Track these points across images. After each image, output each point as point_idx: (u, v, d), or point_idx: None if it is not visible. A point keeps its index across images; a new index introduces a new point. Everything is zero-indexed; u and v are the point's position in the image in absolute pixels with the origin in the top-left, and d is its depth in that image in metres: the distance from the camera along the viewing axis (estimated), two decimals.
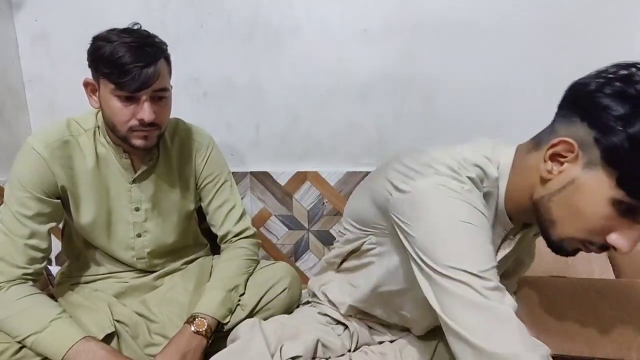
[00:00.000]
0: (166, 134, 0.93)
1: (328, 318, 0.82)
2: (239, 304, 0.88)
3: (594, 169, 0.51)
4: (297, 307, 0.94)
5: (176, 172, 0.95)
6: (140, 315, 0.88)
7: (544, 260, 1.14)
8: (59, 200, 0.85)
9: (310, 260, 1.33)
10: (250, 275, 0.94)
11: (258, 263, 0.99)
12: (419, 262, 0.57)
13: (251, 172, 1.31)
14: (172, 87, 0.86)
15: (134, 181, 0.90)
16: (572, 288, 0.89)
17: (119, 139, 0.82)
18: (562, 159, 0.53)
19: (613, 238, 0.52)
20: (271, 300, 0.90)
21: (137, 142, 0.80)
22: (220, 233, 0.99)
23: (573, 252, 0.58)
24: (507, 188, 0.62)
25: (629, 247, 0.52)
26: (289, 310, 0.92)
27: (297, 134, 1.28)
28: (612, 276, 1.11)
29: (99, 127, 0.87)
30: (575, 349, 0.77)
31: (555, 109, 0.57)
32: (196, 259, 1.05)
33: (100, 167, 0.87)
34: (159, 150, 0.92)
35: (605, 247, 0.54)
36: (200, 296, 0.89)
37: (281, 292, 0.91)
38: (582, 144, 0.51)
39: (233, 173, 1.04)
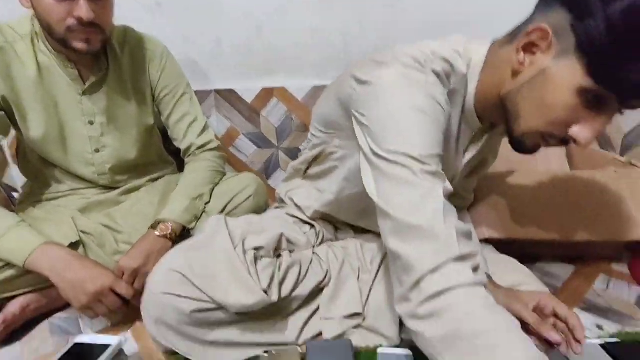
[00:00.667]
0: (115, 42, 0.87)
1: (295, 219, 0.84)
2: (204, 212, 0.90)
3: (565, 58, 0.50)
4: None
5: (129, 83, 0.90)
6: (106, 226, 0.88)
7: (507, 160, 1.18)
8: (2, 112, 0.81)
9: (281, 177, 1.34)
10: (216, 185, 0.95)
11: (224, 175, 0.99)
12: (367, 150, 0.57)
13: (216, 90, 1.26)
14: None
15: (84, 93, 0.85)
16: (531, 180, 0.92)
17: (59, 43, 0.76)
18: (534, 49, 0.53)
19: (575, 130, 0.52)
20: (236, 207, 0.91)
21: (79, 45, 0.74)
22: (182, 146, 0.97)
23: (533, 149, 0.57)
24: (477, 87, 0.61)
25: (589, 139, 0.52)
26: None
27: (260, 46, 1.21)
28: None
29: (36, 33, 0.81)
30: (530, 233, 0.82)
31: (525, 8, 0.55)
32: (162, 176, 1.04)
33: (43, 77, 0.82)
34: (108, 60, 0.86)
35: (565, 141, 0.54)
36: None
37: (246, 200, 0.93)
38: (557, 30, 0.50)
39: (196, 92, 0.99)
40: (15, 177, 1.26)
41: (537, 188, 0.88)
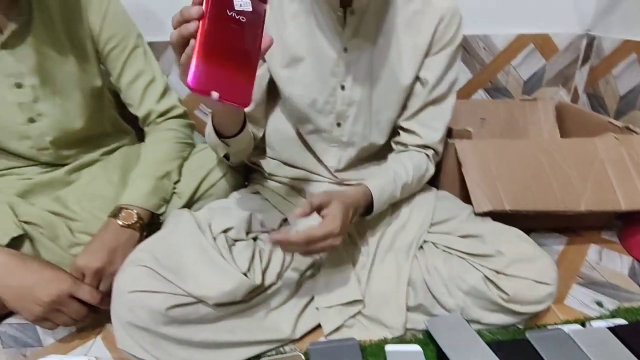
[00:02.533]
0: None
1: (260, 195, 0.78)
2: (174, 192, 0.77)
3: None
4: None
5: (63, 33, 0.71)
6: (56, 214, 0.74)
7: (495, 132, 1.13)
8: None
9: None
10: (185, 160, 0.81)
11: (194, 147, 0.85)
12: None
13: None
14: None
15: (3, 46, 0.66)
16: (523, 148, 0.86)
17: None
18: None
19: None
20: (212, 186, 0.79)
21: None
22: (140, 114, 0.81)
23: None
24: None
25: None
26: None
27: None
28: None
29: None
30: (529, 204, 0.77)
31: None
32: (118, 148, 0.88)
33: None
34: (30, 2, 0.67)
35: None
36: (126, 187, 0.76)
37: (222, 177, 0.81)
38: None
39: (151, 44, 0.82)
40: None
41: (530, 157, 0.83)
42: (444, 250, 0.68)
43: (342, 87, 0.69)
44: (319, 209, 0.58)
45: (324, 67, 0.67)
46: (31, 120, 0.73)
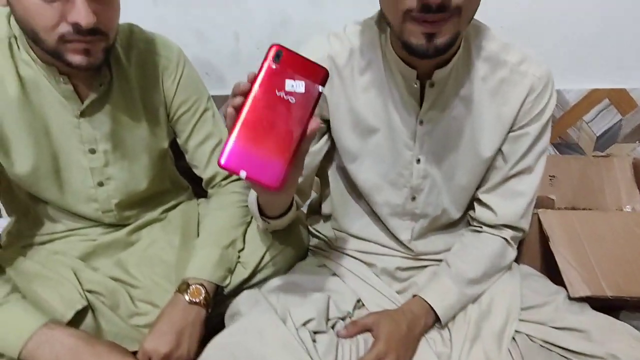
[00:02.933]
0: (118, 47, 0.68)
1: (326, 268, 0.73)
2: (239, 262, 0.73)
3: None
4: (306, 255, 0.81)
5: (139, 98, 0.71)
6: (117, 280, 0.72)
7: (568, 191, 1.05)
8: None
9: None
10: (249, 225, 0.78)
11: None
12: None
13: None
14: None
15: (82, 114, 0.66)
16: (616, 221, 0.78)
17: (49, 54, 0.57)
18: None
19: None
20: (277, 255, 0.75)
21: (76, 58, 0.55)
22: (205, 176, 0.79)
23: (421, 46, 0.49)
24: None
25: None
26: (297, 262, 0.78)
27: (287, 42, 1.01)
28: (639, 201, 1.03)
29: (16, 37, 0.61)
30: (635, 289, 0.68)
31: None
32: (177, 205, 0.87)
33: (28, 96, 0.63)
34: (110, 70, 0.67)
35: (427, 8, 0.46)
36: (189, 253, 0.73)
37: (287, 243, 0.76)
38: None
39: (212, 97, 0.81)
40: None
41: (626, 230, 0.75)
42: (541, 346, 0.60)
43: (418, 161, 0.65)
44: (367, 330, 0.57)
45: (397, 139, 0.64)
46: (100, 184, 0.73)
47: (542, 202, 0.80)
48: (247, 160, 0.40)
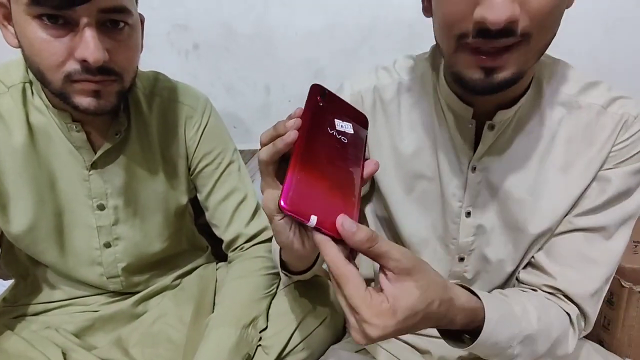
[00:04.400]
0: (140, 93, 0.62)
1: (367, 352, 0.59)
2: (260, 345, 0.59)
3: None
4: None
5: (158, 149, 0.64)
6: None
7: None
8: None
9: None
10: (273, 297, 0.65)
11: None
12: None
13: None
14: (142, 19, 0.55)
15: (93, 166, 0.59)
16: None
17: (57, 97, 0.51)
18: None
19: (478, 12, 0.37)
20: (306, 337, 0.61)
21: (83, 101, 0.49)
22: (227, 237, 0.69)
23: (478, 81, 0.40)
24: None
25: (499, 12, 0.35)
26: (332, 344, 0.63)
27: None
28: None
29: (31, 82, 0.56)
30: None
31: None
32: (193, 269, 0.76)
33: (36, 145, 0.57)
34: (129, 118, 0.61)
35: (485, 32, 0.37)
36: (201, 331, 0.61)
37: (320, 323, 0.63)
38: None
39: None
40: None
41: None
42: None
43: (468, 214, 0.53)
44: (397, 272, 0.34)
45: (445, 188, 0.53)
46: (107, 245, 0.64)
47: (637, 276, 0.63)
48: (314, 204, 0.33)
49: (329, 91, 0.39)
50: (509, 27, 0.36)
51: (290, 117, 0.37)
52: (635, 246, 0.89)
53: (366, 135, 0.40)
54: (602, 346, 0.60)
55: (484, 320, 0.41)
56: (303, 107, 0.37)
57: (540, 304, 0.48)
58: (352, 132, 0.39)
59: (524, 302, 0.46)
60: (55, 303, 0.67)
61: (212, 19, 0.94)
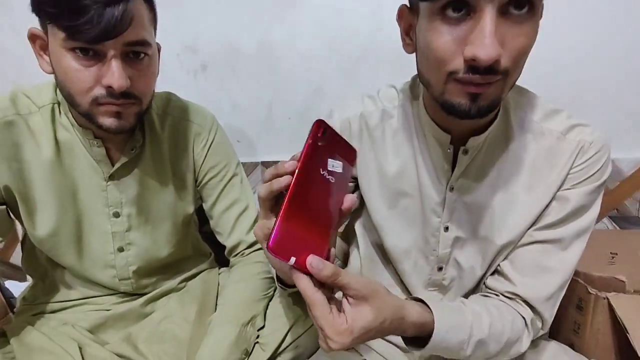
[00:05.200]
0: (154, 113, 0.69)
1: (354, 350, 0.65)
2: (257, 342, 0.65)
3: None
4: None
5: (168, 164, 0.71)
6: (123, 357, 0.66)
7: (634, 272, 0.91)
8: (4, 207, 0.61)
9: None
10: (271, 299, 0.71)
11: None
12: None
13: (263, 162, 1.07)
14: (159, 47, 0.62)
15: (110, 177, 0.66)
16: None
17: (83, 117, 0.58)
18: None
19: (470, 51, 0.41)
20: (299, 337, 0.67)
21: (106, 121, 0.56)
22: (229, 244, 0.75)
23: (464, 105, 0.45)
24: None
25: (486, 50, 0.40)
26: None
27: (319, 112, 1.03)
28: None
29: (59, 103, 0.63)
30: None
31: None
32: (198, 273, 0.82)
33: (62, 159, 0.63)
34: (144, 135, 0.68)
35: (475, 69, 0.42)
36: (204, 329, 0.66)
37: (311, 326, 0.68)
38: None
39: (242, 164, 0.80)
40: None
41: None
42: None
43: (446, 229, 0.59)
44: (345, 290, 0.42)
45: (426, 205, 0.59)
46: (120, 250, 0.70)
47: (609, 285, 0.68)
48: (295, 246, 0.38)
49: (329, 127, 0.41)
50: (494, 65, 0.41)
51: (292, 158, 0.40)
52: (612, 257, 0.94)
53: (351, 172, 0.44)
54: (573, 349, 0.66)
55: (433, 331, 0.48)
56: (304, 145, 0.39)
57: (496, 310, 0.54)
58: (341, 171, 0.42)
59: (479, 311, 0.53)
60: (71, 302, 0.73)
61: (218, 41, 1.01)
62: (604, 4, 0.91)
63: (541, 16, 0.45)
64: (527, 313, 0.54)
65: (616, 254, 0.94)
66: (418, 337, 0.49)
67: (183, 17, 0.98)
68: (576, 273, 0.72)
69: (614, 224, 1.01)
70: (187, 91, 1.01)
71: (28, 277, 1.05)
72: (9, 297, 0.86)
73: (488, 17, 0.40)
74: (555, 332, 0.73)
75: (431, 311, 0.49)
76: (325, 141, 0.40)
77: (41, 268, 0.74)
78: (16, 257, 1.15)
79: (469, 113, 0.46)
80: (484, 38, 0.40)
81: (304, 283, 0.39)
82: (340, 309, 0.41)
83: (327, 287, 0.41)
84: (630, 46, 0.93)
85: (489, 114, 0.48)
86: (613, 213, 1.00)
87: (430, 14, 0.43)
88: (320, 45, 0.99)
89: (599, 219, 0.99)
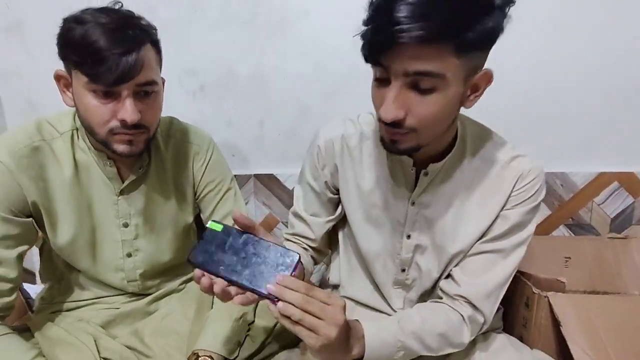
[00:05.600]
0: (158, 136, 0.80)
1: None
2: (248, 334, 0.75)
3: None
4: None
5: (171, 180, 0.81)
6: (132, 349, 0.75)
7: (584, 274, 1.02)
8: (30, 219, 0.71)
9: (323, 271, 1.21)
10: None
11: None
12: None
13: (255, 175, 1.17)
14: (163, 80, 0.72)
15: (121, 192, 0.76)
16: (630, 305, 0.76)
17: (100, 143, 0.68)
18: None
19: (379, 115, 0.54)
20: (284, 330, 0.76)
21: (120, 147, 0.66)
22: None
23: (388, 145, 0.59)
24: None
25: (384, 111, 0.53)
26: None
27: (306, 129, 1.13)
28: None
29: (77, 129, 0.73)
30: None
31: None
32: None
33: (80, 177, 0.74)
34: (150, 156, 0.78)
35: (391, 123, 0.54)
36: (201, 325, 0.76)
37: None
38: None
39: (235, 176, 0.90)
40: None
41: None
42: None
43: (408, 237, 0.70)
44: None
45: (392, 216, 0.70)
46: (128, 255, 0.80)
47: (552, 285, 0.79)
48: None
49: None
50: (398, 122, 0.53)
51: None
52: (567, 261, 1.05)
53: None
54: (522, 341, 0.77)
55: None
56: None
57: (429, 311, 0.65)
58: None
59: (410, 314, 0.64)
60: (84, 301, 0.82)
61: (215, 64, 1.11)
62: (575, 23, 1.01)
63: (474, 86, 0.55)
64: (466, 310, 0.65)
65: (570, 257, 1.06)
66: None
67: (184, 44, 1.09)
68: (526, 276, 0.83)
69: (569, 231, 1.12)
70: (187, 110, 1.12)
71: (38, 279, 1.16)
72: (27, 297, 0.96)
73: (395, 87, 0.52)
74: (509, 327, 0.84)
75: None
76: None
77: (58, 272, 0.83)
78: (25, 262, 1.23)
79: (391, 151, 0.60)
80: (387, 103, 0.52)
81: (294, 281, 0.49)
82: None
83: None
84: (589, 67, 1.03)
85: (413, 152, 0.60)
86: (568, 221, 1.11)
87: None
88: (307, 69, 1.09)
89: (557, 226, 1.11)
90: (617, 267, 1.03)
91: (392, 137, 0.56)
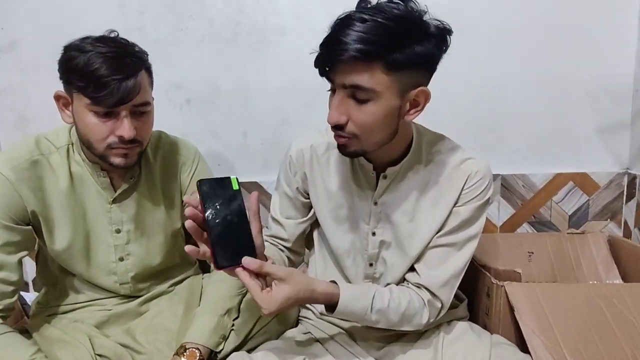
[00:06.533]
0: (148, 149, 0.86)
1: (311, 335, 0.81)
2: (232, 329, 0.82)
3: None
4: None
5: (160, 189, 0.88)
6: (125, 346, 0.81)
7: (547, 267, 1.11)
8: (30, 227, 0.77)
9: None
10: (244, 296, 0.88)
11: None
12: None
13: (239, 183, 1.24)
14: (153, 99, 0.79)
15: (113, 201, 0.83)
16: (578, 293, 0.84)
17: (96, 157, 0.75)
18: None
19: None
20: (265, 325, 0.83)
21: (117, 160, 0.73)
22: None
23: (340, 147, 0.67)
24: None
25: (330, 114, 0.64)
26: (286, 331, 0.86)
27: (286, 138, 1.21)
28: (617, 275, 1.08)
29: (72, 144, 0.80)
30: (595, 358, 0.72)
31: None
32: (184, 279, 0.98)
33: (75, 187, 0.80)
34: (140, 167, 0.85)
35: (336, 127, 0.64)
36: (190, 321, 0.82)
37: (274, 318, 0.85)
38: None
39: None
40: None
41: (588, 302, 0.81)
42: None
43: (373, 234, 0.78)
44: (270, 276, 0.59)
45: (358, 215, 0.78)
46: (121, 259, 0.86)
47: (509, 276, 0.87)
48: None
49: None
50: (338, 126, 0.63)
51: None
52: (530, 255, 1.14)
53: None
54: (485, 328, 0.85)
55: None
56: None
57: (398, 291, 0.72)
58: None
59: (383, 291, 0.71)
60: (79, 304, 0.87)
61: (200, 79, 1.18)
62: (517, 41, 1.13)
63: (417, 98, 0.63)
64: (426, 296, 0.73)
65: (533, 252, 1.14)
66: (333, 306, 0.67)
67: (171, 61, 1.16)
68: (487, 268, 0.91)
69: (532, 227, 1.21)
70: (174, 121, 1.20)
71: (31, 288, 1.21)
72: (22, 303, 1.01)
73: (338, 96, 0.62)
74: (474, 316, 0.92)
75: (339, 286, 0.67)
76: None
77: (53, 277, 0.89)
78: None
79: (343, 153, 0.68)
80: (332, 109, 0.63)
81: (242, 276, 0.57)
82: (270, 288, 0.59)
83: (261, 277, 0.59)
84: (541, 77, 1.14)
85: (361, 156, 0.70)
86: (531, 219, 1.21)
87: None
88: (285, 83, 1.17)
89: (520, 224, 1.20)
90: (576, 260, 1.12)
91: (339, 141, 0.65)
